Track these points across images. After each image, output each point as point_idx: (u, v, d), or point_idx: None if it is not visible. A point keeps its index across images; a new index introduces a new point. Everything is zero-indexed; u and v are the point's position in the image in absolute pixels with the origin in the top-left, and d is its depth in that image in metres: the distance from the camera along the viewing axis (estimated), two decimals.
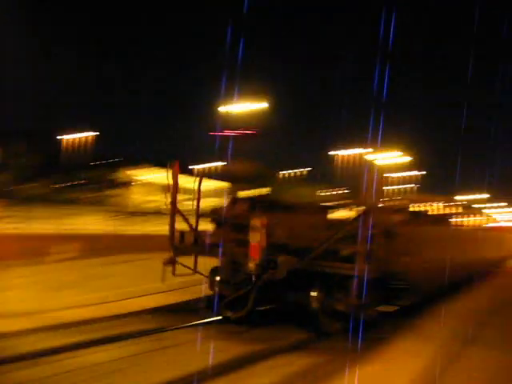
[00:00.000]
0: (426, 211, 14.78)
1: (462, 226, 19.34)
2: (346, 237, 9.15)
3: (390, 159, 54.21)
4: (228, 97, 25.88)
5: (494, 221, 33.34)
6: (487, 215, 30.44)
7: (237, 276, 10.07)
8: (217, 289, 10.68)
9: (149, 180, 39.22)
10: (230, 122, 25.25)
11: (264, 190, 13.61)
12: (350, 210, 10.87)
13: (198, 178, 11.76)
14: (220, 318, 10.41)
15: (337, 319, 9.56)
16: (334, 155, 63.44)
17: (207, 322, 10.33)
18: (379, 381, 6.99)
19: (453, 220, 18.16)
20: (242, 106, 25.51)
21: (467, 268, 16.49)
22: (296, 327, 10.28)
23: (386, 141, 55.81)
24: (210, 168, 25.12)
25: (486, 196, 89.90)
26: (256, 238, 9.17)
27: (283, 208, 11.01)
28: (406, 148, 61.75)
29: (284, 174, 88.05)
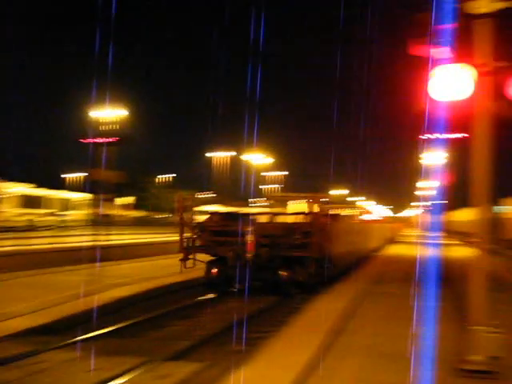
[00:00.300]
0: (338, 214, 21.17)
1: (355, 220, 27.74)
2: (299, 233, 15.74)
3: (259, 160, 55.95)
4: (96, 103, 25.07)
5: (369, 212, 43.91)
6: (363, 208, 41.02)
7: (231, 264, 16.03)
8: (215, 271, 16.69)
9: (16, 193, 37.04)
10: (98, 128, 24.53)
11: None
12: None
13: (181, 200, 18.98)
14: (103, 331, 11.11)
15: (296, 286, 15.75)
16: (209, 157, 64.18)
17: (87, 339, 10.41)
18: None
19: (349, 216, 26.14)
20: (112, 113, 24.82)
21: (362, 252, 25.49)
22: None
23: (253, 143, 57.43)
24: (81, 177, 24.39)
25: (346, 191, 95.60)
26: (251, 238, 15.40)
27: (251, 217, 16.84)
28: (271, 150, 63.97)
29: (154, 179, 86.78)
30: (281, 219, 17.37)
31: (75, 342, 10.00)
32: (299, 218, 16.68)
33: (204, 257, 17.59)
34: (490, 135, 7.66)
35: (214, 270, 16.89)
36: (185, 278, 17.64)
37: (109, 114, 25.01)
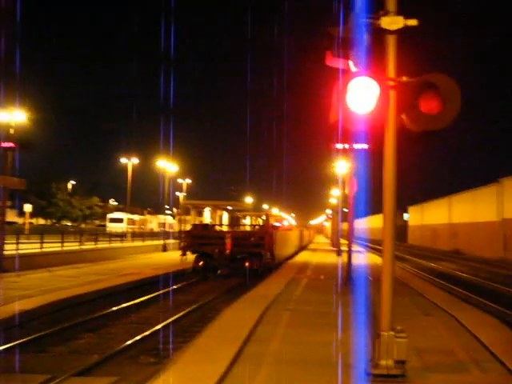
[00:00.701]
0: (277, 225, 33.03)
1: (284, 229, 39.61)
2: (257, 238, 24.06)
3: (167, 167, 55.23)
4: None
5: (283, 220, 56.86)
6: (279, 216, 53.66)
7: (217, 257, 23.86)
8: (201, 263, 24.10)
9: None
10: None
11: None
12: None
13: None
14: None
15: (253, 272, 23.34)
16: (124, 163, 62.52)
17: None
18: None
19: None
20: (12, 116, 23.61)
21: (289, 251, 36.47)
22: None
23: (160, 150, 56.65)
24: None
25: (251, 200, 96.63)
26: (228, 241, 23.57)
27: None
28: (179, 157, 63.47)
29: (62, 185, 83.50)
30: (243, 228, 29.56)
31: None
32: (256, 227, 29.75)
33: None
34: (394, 147, 7.91)
35: (201, 263, 24.43)
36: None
37: (8, 117, 23.75)
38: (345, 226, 64.82)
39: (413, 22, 7.84)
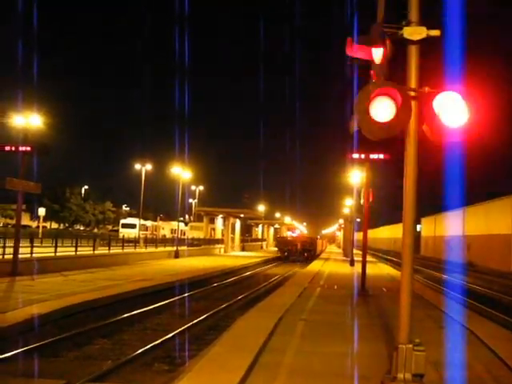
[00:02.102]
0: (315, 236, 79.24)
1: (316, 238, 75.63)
2: (309, 243, 61.93)
3: (181, 174, 55.38)
4: (15, 110, 23.92)
5: (295, 229, 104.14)
6: (292, 225, 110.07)
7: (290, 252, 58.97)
8: (286, 254, 58.15)
9: None
10: (15, 136, 23.46)
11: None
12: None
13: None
14: None
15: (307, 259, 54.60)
16: (138, 169, 62.79)
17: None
18: None
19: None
20: (30, 120, 23.79)
21: (318, 251, 70.11)
22: None
23: (174, 156, 56.80)
24: None
25: (263, 208, 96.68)
26: (298, 244, 60.42)
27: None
28: (193, 164, 63.61)
29: (76, 190, 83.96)
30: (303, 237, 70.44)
31: None
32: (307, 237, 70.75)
33: None
34: (415, 158, 7.84)
35: (286, 254, 57.81)
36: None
37: (24, 122, 23.92)
38: (357, 235, 64.71)
39: (435, 33, 7.78)
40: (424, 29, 7.73)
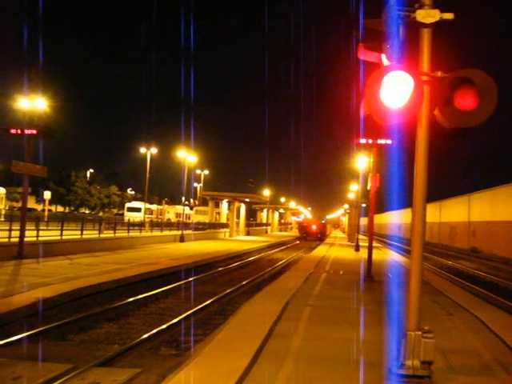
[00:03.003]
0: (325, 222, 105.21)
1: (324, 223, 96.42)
2: (321, 227, 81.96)
3: (186, 158, 55.27)
4: (20, 93, 23.85)
5: (300, 214, 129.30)
6: (297, 210, 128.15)
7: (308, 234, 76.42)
8: (304, 236, 75.04)
9: None
10: (19, 119, 23.38)
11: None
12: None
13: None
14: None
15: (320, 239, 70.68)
16: (143, 153, 62.79)
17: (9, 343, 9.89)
18: None
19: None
20: (35, 103, 23.72)
21: (327, 233, 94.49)
22: None
23: (180, 140, 56.67)
24: None
25: (268, 193, 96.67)
26: (313, 227, 79.52)
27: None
28: (198, 148, 63.52)
29: (81, 174, 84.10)
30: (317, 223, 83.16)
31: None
32: (319, 223, 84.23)
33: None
34: (426, 143, 7.73)
35: (304, 235, 74.54)
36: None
37: (29, 105, 23.87)
38: (362, 221, 64.47)
39: (449, 16, 7.63)
40: (437, 12, 7.59)
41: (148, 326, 12.21)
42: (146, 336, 10.89)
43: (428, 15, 7.62)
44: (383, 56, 7.90)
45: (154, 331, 11.35)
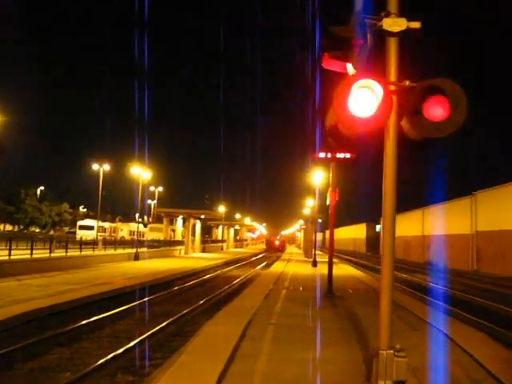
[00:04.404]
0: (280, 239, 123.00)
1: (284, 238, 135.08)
2: (281, 242, 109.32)
3: (139, 174, 54.19)
4: None
5: (255, 230, 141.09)
6: (252, 226, 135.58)
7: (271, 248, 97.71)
8: (269, 249, 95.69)
9: None
10: None
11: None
12: None
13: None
14: None
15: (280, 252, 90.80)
16: (95, 170, 61.34)
17: None
18: None
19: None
20: None
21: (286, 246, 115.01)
22: None
23: (133, 156, 55.70)
24: None
25: (224, 210, 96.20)
26: (276, 243, 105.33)
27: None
28: (151, 164, 62.50)
29: (31, 191, 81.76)
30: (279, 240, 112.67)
31: None
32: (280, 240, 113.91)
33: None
34: (395, 154, 7.49)
35: (269, 249, 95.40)
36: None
37: None
38: (318, 236, 64.56)
39: (416, 25, 7.43)
40: (404, 20, 7.37)
41: (103, 350, 11.57)
42: (100, 362, 10.23)
43: (395, 24, 7.40)
44: (348, 65, 7.66)
45: (110, 356, 10.70)
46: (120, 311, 16.85)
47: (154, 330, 13.65)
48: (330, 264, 20.52)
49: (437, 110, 7.15)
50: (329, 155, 18.80)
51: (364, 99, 7.05)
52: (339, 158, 19.06)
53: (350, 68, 7.63)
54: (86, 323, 14.46)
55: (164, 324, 14.71)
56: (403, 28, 7.37)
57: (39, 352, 11.32)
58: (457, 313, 18.95)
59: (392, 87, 7.33)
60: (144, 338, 12.62)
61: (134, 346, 11.83)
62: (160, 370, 9.00)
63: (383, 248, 7.49)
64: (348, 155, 18.97)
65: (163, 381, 7.84)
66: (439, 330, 12.66)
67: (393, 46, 7.46)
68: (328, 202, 20.83)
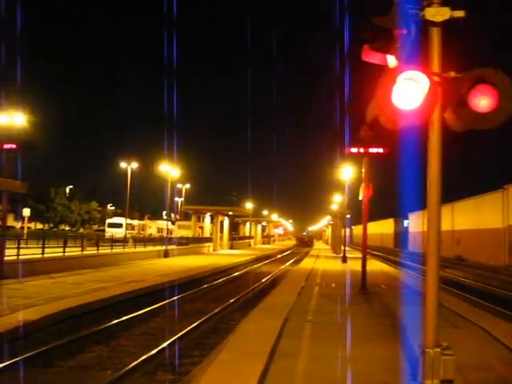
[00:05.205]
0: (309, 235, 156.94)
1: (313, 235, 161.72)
2: (310, 238, 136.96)
3: (169, 172, 54.32)
4: None
5: (280, 226, 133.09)
6: (278, 222, 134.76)
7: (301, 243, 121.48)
8: (300, 244, 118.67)
9: None
10: None
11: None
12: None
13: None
14: None
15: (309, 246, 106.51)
16: (124, 168, 61.76)
17: None
18: None
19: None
20: (14, 118, 22.99)
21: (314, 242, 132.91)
22: None
23: (162, 154, 55.96)
24: None
25: (251, 206, 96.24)
26: (305, 238, 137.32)
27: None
28: (180, 162, 62.72)
29: (61, 190, 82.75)
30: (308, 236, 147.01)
31: None
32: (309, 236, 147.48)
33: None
34: (440, 146, 7.28)
35: (300, 243, 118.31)
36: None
37: (8, 120, 23.16)
38: (347, 232, 64.08)
39: (460, 14, 7.19)
40: (447, 10, 7.15)
41: (140, 348, 11.56)
42: (140, 360, 10.19)
43: (437, 13, 7.18)
44: (389, 57, 7.45)
45: (149, 354, 10.65)
46: (153, 309, 16.87)
47: (189, 328, 13.61)
48: (364, 260, 20.25)
49: (483, 101, 6.93)
50: (361, 150, 18.57)
51: (408, 91, 6.86)
52: (372, 153, 18.82)
53: (390, 60, 7.44)
54: (121, 321, 14.49)
55: (198, 321, 14.66)
56: (446, 17, 7.15)
57: (77, 350, 11.36)
58: (495, 309, 18.58)
59: (436, 78, 7.11)
60: (180, 336, 12.58)
61: (171, 343, 11.79)
62: (199, 368, 8.95)
63: (428, 241, 7.31)
64: (381, 150, 18.73)
65: (204, 379, 7.76)
66: (480, 327, 12.40)
67: (436, 36, 7.24)
68: (361, 197, 20.56)
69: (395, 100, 6.85)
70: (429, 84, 6.81)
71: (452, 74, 7.12)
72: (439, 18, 7.16)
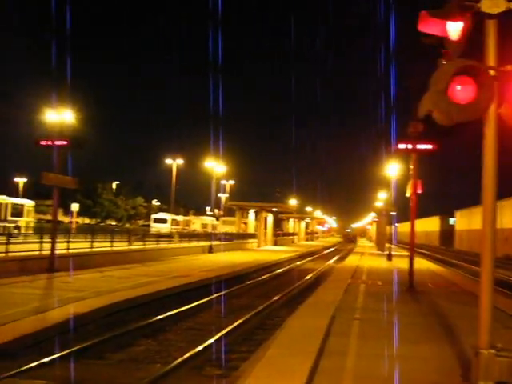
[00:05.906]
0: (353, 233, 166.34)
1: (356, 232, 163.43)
2: (355, 235, 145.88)
3: (214, 168, 54.80)
4: (49, 105, 23.79)
5: (324, 222, 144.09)
6: (322, 219, 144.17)
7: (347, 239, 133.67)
8: (345, 240, 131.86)
9: None
10: (50, 131, 23.21)
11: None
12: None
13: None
14: None
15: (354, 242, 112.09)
16: (169, 164, 62.58)
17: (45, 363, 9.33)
18: None
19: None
20: (64, 115, 23.58)
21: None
22: None
23: (207, 151, 56.39)
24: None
25: (295, 202, 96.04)
26: (350, 235, 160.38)
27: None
28: (224, 158, 63.08)
29: (107, 185, 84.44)
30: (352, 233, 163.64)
31: (32, 368, 8.93)
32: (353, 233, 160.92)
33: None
34: (495, 142, 7.07)
35: (345, 239, 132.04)
36: None
37: (61, 117, 23.76)
38: (389, 229, 63.14)
39: None
40: (504, 1, 6.95)
41: (188, 343, 11.67)
42: (188, 354, 10.28)
43: (494, 5, 6.99)
44: (450, 25, 7.11)
45: (197, 349, 10.74)
46: (200, 304, 17.01)
47: (236, 323, 13.66)
48: (412, 258, 19.95)
49: None
50: (409, 146, 18.30)
51: (464, 85, 6.71)
52: (420, 149, 18.52)
53: (451, 29, 7.14)
54: (169, 315, 14.66)
55: (245, 317, 14.70)
56: (502, 9, 6.95)
57: (127, 343, 11.54)
58: None
59: (492, 72, 6.92)
60: (227, 331, 12.65)
61: (218, 338, 11.85)
62: (248, 364, 8.98)
63: (483, 238, 7.11)
64: (430, 146, 18.42)
65: (254, 375, 7.78)
66: None
67: (492, 28, 7.04)
68: (408, 194, 20.25)
69: (450, 94, 6.71)
70: (483, 78, 6.65)
71: (508, 67, 6.93)
72: (495, 10, 6.97)
